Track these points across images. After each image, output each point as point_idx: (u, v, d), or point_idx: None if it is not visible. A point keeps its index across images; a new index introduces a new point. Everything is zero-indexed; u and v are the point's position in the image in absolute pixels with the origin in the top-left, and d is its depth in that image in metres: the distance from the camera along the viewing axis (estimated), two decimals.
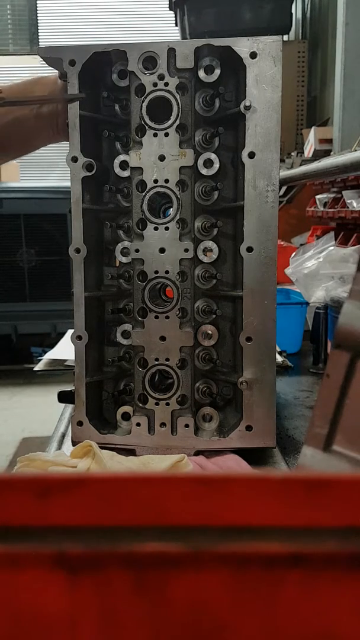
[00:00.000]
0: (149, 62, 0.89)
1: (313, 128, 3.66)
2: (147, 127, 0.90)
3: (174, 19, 3.81)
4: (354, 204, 2.02)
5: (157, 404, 0.93)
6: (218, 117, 0.93)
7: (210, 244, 0.94)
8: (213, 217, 0.94)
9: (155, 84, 0.89)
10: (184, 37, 3.59)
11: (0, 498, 0.21)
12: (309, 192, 2.92)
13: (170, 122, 0.89)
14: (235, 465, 0.89)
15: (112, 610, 0.21)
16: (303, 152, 3.81)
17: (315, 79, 4.59)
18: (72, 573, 0.21)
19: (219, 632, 0.21)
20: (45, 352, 1.40)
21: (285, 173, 2.13)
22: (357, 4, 3.11)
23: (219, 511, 0.21)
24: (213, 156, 0.91)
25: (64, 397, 1.00)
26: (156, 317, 0.92)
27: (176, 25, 3.80)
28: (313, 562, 0.21)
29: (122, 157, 0.93)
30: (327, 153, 3.27)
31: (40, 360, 1.34)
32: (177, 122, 0.89)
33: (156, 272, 0.92)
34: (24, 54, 6.24)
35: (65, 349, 1.31)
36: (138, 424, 0.93)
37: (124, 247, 0.95)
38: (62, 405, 1.13)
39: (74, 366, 0.94)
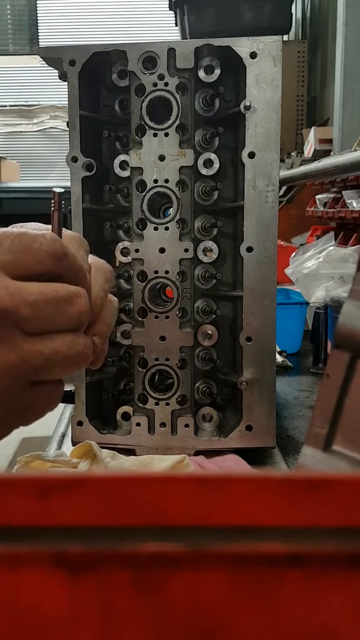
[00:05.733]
0: (149, 62, 0.89)
1: (313, 128, 3.66)
2: (147, 127, 0.90)
3: (174, 19, 3.81)
4: (354, 204, 2.02)
5: (157, 404, 0.93)
6: (218, 117, 0.93)
7: (210, 244, 0.94)
8: (213, 217, 0.94)
9: (155, 84, 0.89)
10: (184, 37, 3.59)
11: (0, 498, 0.21)
12: (309, 192, 2.92)
13: (170, 122, 0.89)
14: (235, 465, 0.89)
15: (112, 610, 0.21)
16: (303, 152, 3.82)
17: (315, 79, 4.59)
18: (72, 573, 0.21)
19: (219, 631, 0.21)
20: None
21: (285, 173, 2.13)
22: (357, 4, 3.11)
23: (219, 511, 0.21)
24: (213, 156, 0.91)
25: (64, 397, 0.99)
26: (156, 317, 0.92)
27: (176, 25, 3.80)
28: (313, 562, 0.21)
29: (122, 157, 0.93)
30: (327, 153, 3.27)
31: None
32: (177, 122, 0.89)
33: (156, 272, 0.92)
34: (24, 54, 6.25)
35: None
36: (138, 424, 0.93)
37: (123, 247, 0.95)
38: (62, 405, 1.13)
39: None
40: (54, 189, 0.49)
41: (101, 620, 0.21)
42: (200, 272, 0.95)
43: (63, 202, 0.49)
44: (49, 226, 0.51)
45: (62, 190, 0.49)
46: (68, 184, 0.91)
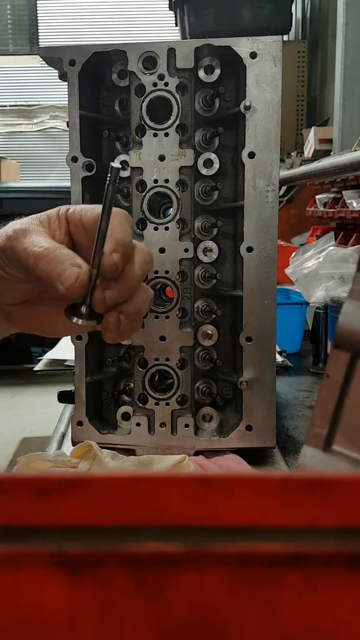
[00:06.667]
0: (149, 62, 0.89)
1: (313, 128, 3.66)
2: (147, 127, 0.90)
3: (174, 19, 3.81)
4: (354, 204, 2.02)
5: (157, 404, 0.93)
6: (218, 117, 0.93)
7: (210, 244, 0.94)
8: (213, 217, 0.94)
9: (155, 84, 0.89)
10: (184, 37, 3.58)
11: (1, 498, 0.21)
12: (309, 192, 2.92)
13: (170, 122, 0.89)
14: (235, 465, 0.89)
15: (112, 610, 0.21)
16: (303, 152, 3.81)
17: (315, 79, 4.59)
18: (72, 573, 0.21)
19: (219, 631, 0.21)
20: (45, 352, 1.40)
21: (285, 173, 2.14)
22: (357, 4, 3.11)
23: (219, 511, 0.21)
24: (213, 156, 0.91)
25: (64, 397, 1.00)
26: (156, 317, 0.92)
27: (176, 25, 3.80)
28: (313, 562, 0.21)
29: (122, 157, 0.93)
30: (327, 153, 3.26)
31: (40, 360, 1.34)
32: (177, 122, 0.89)
33: (156, 272, 0.92)
34: (24, 54, 6.24)
35: (65, 349, 1.31)
36: (138, 424, 0.93)
37: None
38: (62, 405, 1.13)
39: (74, 366, 0.94)
40: (112, 164, 0.51)
41: (101, 620, 0.21)
42: (200, 272, 0.95)
43: (118, 177, 0.51)
44: (98, 206, 0.54)
45: (120, 166, 0.52)
46: (68, 184, 0.91)
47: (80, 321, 0.54)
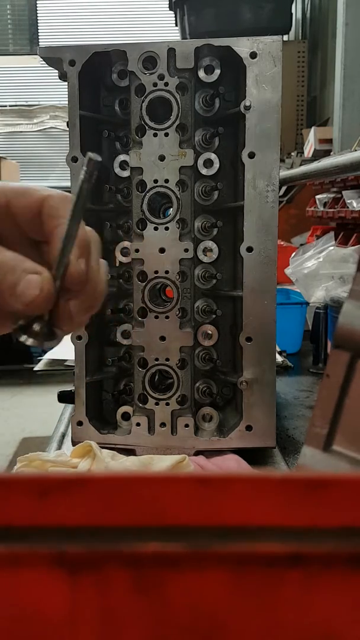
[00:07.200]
0: (149, 62, 0.89)
1: (313, 128, 3.65)
2: (147, 127, 0.90)
3: (174, 19, 3.81)
4: (354, 204, 2.02)
5: (157, 404, 0.93)
6: (218, 117, 0.93)
7: (210, 244, 0.94)
8: (213, 217, 0.94)
9: (155, 84, 0.89)
10: (184, 37, 3.58)
11: (1, 498, 0.21)
12: (309, 192, 2.92)
13: (170, 122, 0.89)
14: (235, 465, 0.89)
15: (112, 610, 0.21)
16: (303, 152, 3.81)
17: (315, 79, 4.58)
18: (72, 573, 0.21)
19: (219, 631, 0.21)
20: (45, 352, 1.40)
21: (285, 173, 2.14)
22: (357, 4, 3.11)
23: (219, 511, 0.21)
24: (213, 156, 0.91)
25: (64, 397, 1.00)
26: (156, 317, 0.92)
27: (176, 25, 3.80)
28: (313, 562, 0.21)
29: (122, 157, 0.93)
30: (327, 153, 3.26)
31: (40, 360, 1.34)
32: (177, 122, 0.89)
33: (156, 272, 0.92)
34: (24, 54, 6.24)
35: (65, 349, 1.31)
36: (138, 424, 0.93)
37: (123, 247, 0.95)
38: (62, 405, 1.13)
39: (74, 366, 0.94)
40: (89, 154, 0.40)
41: (101, 620, 0.21)
42: (200, 272, 0.95)
43: (96, 172, 0.41)
44: (33, 188, 0.44)
45: (99, 158, 0.40)
46: (68, 184, 0.91)
47: (35, 342, 0.42)
